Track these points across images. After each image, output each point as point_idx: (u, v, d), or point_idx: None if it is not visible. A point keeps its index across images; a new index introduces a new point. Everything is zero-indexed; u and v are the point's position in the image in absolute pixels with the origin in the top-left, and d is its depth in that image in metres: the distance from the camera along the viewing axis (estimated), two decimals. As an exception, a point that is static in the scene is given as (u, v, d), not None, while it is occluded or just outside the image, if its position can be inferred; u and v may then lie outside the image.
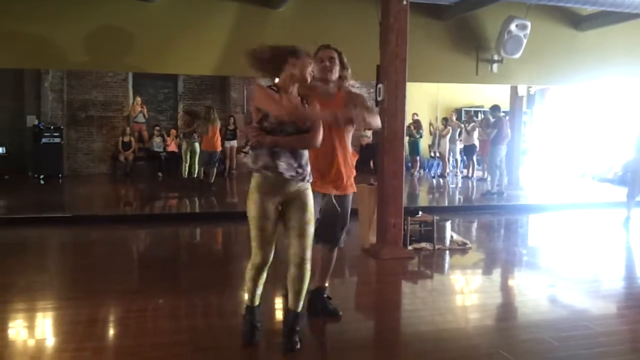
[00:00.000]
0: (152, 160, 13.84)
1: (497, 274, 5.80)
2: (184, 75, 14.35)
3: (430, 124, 14.73)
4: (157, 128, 14.08)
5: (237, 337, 3.50)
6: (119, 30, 7.65)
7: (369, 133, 14.73)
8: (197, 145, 11.64)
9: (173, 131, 14.22)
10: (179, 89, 14.79)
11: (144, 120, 14.10)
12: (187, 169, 11.91)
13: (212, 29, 7.94)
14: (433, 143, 14.79)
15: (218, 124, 11.06)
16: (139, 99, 14.00)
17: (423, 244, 6.06)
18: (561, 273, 5.41)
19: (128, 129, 13.74)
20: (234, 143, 14.08)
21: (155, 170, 13.55)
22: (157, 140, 13.91)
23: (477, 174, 13.35)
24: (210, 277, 5.05)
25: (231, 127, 14.09)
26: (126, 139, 13.55)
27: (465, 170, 14.17)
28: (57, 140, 12.57)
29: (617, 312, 4.32)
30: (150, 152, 13.90)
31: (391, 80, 5.61)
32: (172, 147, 13.97)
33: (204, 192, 10.55)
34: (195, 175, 11.73)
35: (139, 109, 13.93)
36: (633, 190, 7.63)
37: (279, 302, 4.18)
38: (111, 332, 3.74)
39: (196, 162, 11.77)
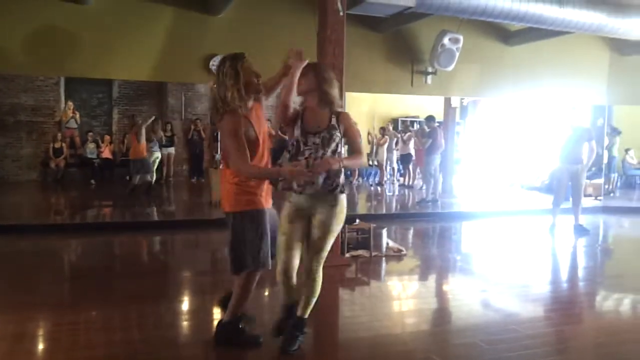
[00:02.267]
0: (85, 167, 13.40)
1: (432, 279, 5.96)
2: (120, 80, 13.98)
3: (369, 134, 14.98)
4: (91, 134, 13.66)
5: (174, 348, 3.45)
6: (52, 33, 7.42)
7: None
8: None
9: (107, 137, 13.83)
10: (113, 94, 14.40)
11: (76, 126, 13.64)
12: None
13: (150, 34, 7.82)
14: (371, 152, 15.03)
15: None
16: (70, 104, 13.53)
17: (360, 252, 6.15)
18: (493, 278, 5.63)
19: (59, 134, 13.25)
20: (172, 150, 13.85)
21: (88, 178, 13.12)
22: (91, 146, 13.49)
23: (419, 182, 13.58)
24: (145, 288, 4.94)
25: (168, 133, 13.84)
26: (57, 145, 13.06)
27: (401, 179, 14.48)
28: (-18, 146, 12.01)
29: (544, 315, 4.53)
30: (83, 159, 13.46)
31: (329, 90, 5.66)
32: (107, 154, 13.59)
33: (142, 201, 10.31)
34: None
35: (71, 114, 13.46)
36: (558, 198, 7.99)
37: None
38: (40, 347, 3.61)
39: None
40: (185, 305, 4.67)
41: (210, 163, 12.81)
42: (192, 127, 14.07)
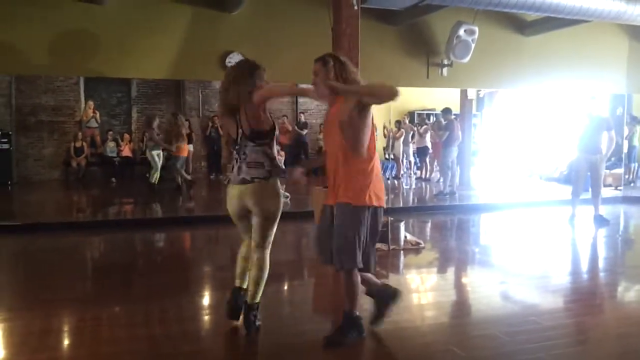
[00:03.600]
0: (106, 165, 13.59)
1: (450, 272, 5.96)
2: (138, 79, 14.13)
3: (385, 127, 14.96)
4: (111, 133, 13.83)
5: (196, 343, 3.51)
6: (70, 34, 7.54)
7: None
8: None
9: (127, 136, 13.99)
10: (132, 93, 14.56)
11: (96, 125, 13.81)
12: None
13: (167, 33, 7.91)
14: (387, 145, 15.01)
15: None
16: (91, 104, 13.70)
17: (378, 245, 6.15)
18: (512, 270, 5.61)
19: (80, 134, 13.44)
20: (190, 147, 13.96)
21: (108, 176, 13.31)
22: (111, 145, 13.67)
23: (436, 175, 13.56)
24: (166, 284, 5.02)
25: (187, 131, 13.96)
26: (78, 144, 13.25)
27: (418, 172, 14.44)
28: (5, 146, 12.28)
29: (564, 306, 4.51)
30: (104, 158, 13.64)
31: (345, 85, 5.69)
32: (126, 152, 13.75)
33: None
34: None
35: (92, 114, 13.62)
36: (577, 188, 7.92)
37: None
38: (65, 342, 3.69)
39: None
40: (206, 300, 4.74)
41: (228, 159, 12.91)
42: (210, 124, 14.18)
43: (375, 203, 3.39)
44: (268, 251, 3.67)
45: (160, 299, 4.47)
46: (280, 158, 14.43)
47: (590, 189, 7.93)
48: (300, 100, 15.62)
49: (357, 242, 3.31)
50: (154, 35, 7.85)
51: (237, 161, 3.60)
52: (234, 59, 8.36)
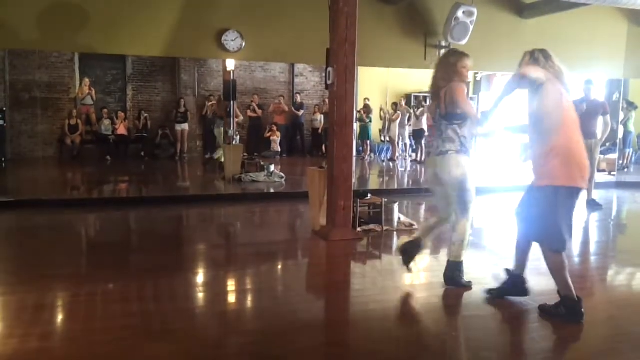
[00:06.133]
0: (101, 143, 13.53)
1: (443, 254, 5.95)
2: (133, 57, 14.02)
3: (381, 109, 14.93)
4: (106, 110, 13.76)
5: (189, 320, 3.54)
6: (64, 9, 7.45)
7: (320, 117, 14.82)
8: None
9: (121, 114, 13.91)
10: (127, 71, 14.45)
11: (92, 103, 13.72)
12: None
13: (162, 9, 7.84)
14: (383, 127, 14.99)
15: None
16: (87, 81, 13.58)
17: (372, 226, 6.20)
18: (504, 252, 5.63)
19: (75, 111, 13.36)
20: (185, 126, 13.94)
21: (103, 154, 13.27)
22: (106, 123, 13.61)
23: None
24: (161, 261, 5.03)
25: (182, 109, 13.91)
26: (73, 121, 13.20)
27: (414, 155, 14.45)
28: (-1, 122, 12.17)
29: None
30: (99, 135, 13.58)
31: (341, 64, 5.66)
32: (122, 130, 13.69)
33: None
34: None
35: (87, 91, 13.52)
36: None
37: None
38: (59, 317, 3.71)
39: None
40: (200, 277, 4.76)
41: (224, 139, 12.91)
42: (207, 103, 14.09)
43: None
44: (465, 219, 4.20)
45: (154, 276, 4.49)
46: (276, 138, 14.49)
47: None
48: (297, 80, 15.55)
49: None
50: (148, 12, 7.77)
51: (436, 136, 4.19)
52: (229, 37, 8.31)
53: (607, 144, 10.75)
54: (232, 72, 10.98)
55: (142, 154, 13.67)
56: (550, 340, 3.51)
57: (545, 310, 3.74)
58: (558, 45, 9.60)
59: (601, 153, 9.14)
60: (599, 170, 9.19)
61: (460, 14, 8.59)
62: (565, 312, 3.64)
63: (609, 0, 7.80)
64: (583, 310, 3.61)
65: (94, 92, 13.67)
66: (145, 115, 14.11)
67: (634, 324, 3.73)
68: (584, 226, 7.25)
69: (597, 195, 7.98)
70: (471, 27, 8.70)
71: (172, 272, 4.68)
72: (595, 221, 7.38)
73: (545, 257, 3.68)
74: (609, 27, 10.09)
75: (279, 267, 5.17)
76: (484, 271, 4.92)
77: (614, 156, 11.68)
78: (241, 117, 13.64)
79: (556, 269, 3.64)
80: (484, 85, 16.24)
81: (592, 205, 7.79)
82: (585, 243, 6.54)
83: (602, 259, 5.69)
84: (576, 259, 5.73)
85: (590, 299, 4.36)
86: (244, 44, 8.31)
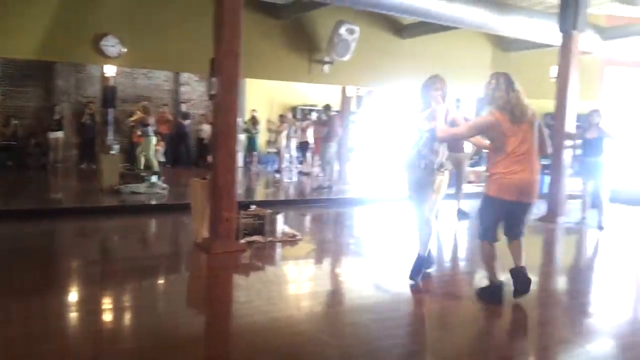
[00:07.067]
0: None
1: (326, 263, 6.14)
2: (1, 59, 12.94)
3: (268, 121, 15.01)
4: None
5: (60, 341, 3.34)
6: None
7: (207, 128, 14.59)
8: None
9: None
10: (-6, 74, 13.30)
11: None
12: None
13: (35, 9, 7.36)
14: (271, 139, 15.09)
15: None
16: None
17: (255, 237, 6.20)
18: (382, 260, 5.89)
19: None
20: (60, 134, 13.10)
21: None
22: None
23: (316, 169, 13.77)
24: (30, 280, 4.67)
25: (56, 117, 13.08)
26: None
27: (300, 166, 14.65)
28: None
29: (429, 293, 4.82)
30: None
31: (224, 75, 5.63)
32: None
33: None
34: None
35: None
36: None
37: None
38: None
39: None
40: (73, 295, 4.49)
41: (101, 148, 12.30)
42: (86, 110, 13.32)
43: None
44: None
45: (22, 296, 4.18)
46: (160, 148, 14.03)
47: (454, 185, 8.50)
48: (182, 89, 15.21)
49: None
50: (20, 11, 7.27)
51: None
52: (109, 42, 7.98)
53: (475, 157, 11.56)
54: (111, 78, 10.52)
55: (10, 163, 12.67)
56: (417, 342, 3.69)
57: (477, 293, 4.42)
58: (434, 65, 10.34)
59: (470, 166, 9.81)
60: (467, 182, 9.85)
61: (342, 31, 8.90)
62: (489, 294, 4.28)
63: (474, 25, 8.45)
64: (503, 294, 4.22)
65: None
66: (16, 122, 13.09)
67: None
68: (454, 234, 7.74)
69: (465, 205, 8.56)
70: (353, 45, 9.04)
71: (43, 291, 4.37)
72: (465, 229, 7.91)
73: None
74: (476, 50, 10.94)
75: (160, 282, 5.02)
76: (363, 278, 5.11)
77: (481, 168, 12.57)
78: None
79: (482, 255, 4.40)
80: (365, 100, 16.85)
81: (461, 214, 8.34)
82: (455, 249, 7.00)
83: (470, 264, 6.09)
84: (446, 264, 6.13)
85: (458, 301, 4.68)
86: (124, 50, 8.02)
